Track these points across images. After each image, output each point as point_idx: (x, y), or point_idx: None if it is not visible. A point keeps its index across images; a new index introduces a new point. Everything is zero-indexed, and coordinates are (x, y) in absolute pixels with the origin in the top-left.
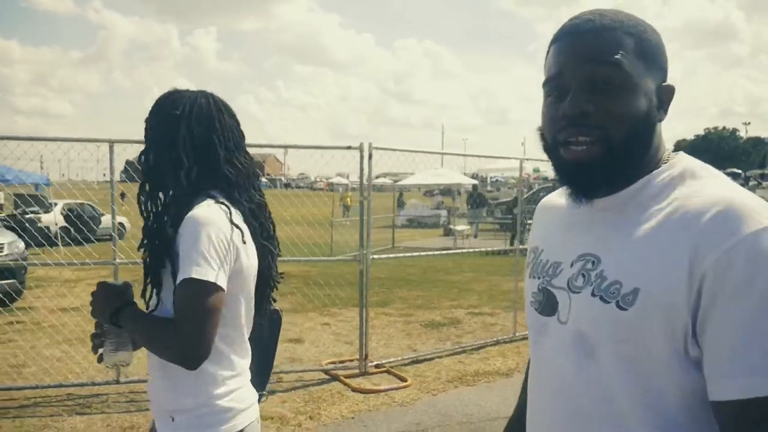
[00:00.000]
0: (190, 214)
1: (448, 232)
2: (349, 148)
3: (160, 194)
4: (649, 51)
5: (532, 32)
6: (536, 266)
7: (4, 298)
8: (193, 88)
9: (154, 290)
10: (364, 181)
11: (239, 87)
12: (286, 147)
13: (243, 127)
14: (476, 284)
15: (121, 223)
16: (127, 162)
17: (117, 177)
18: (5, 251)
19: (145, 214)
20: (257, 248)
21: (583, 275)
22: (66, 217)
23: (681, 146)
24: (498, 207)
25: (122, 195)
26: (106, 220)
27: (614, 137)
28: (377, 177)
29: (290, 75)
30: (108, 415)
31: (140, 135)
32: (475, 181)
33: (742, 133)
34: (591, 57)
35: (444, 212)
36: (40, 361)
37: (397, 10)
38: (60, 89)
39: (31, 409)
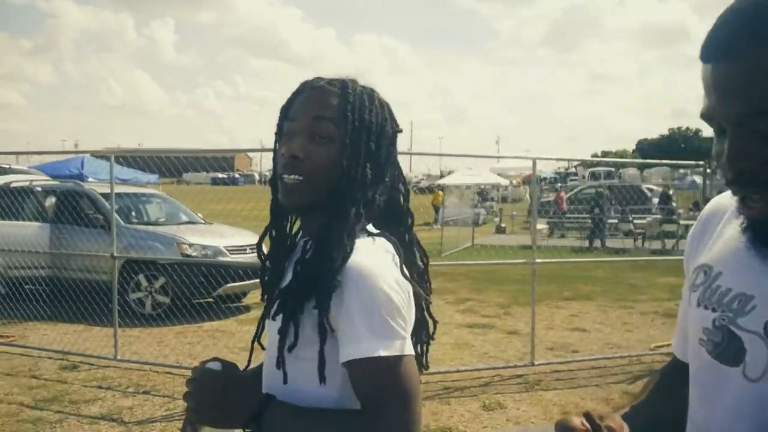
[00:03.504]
0: (352, 261)
1: (500, 230)
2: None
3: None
4: None
5: (490, 30)
6: (710, 293)
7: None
8: (150, 79)
9: (288, 348)
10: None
11: (195, 80)
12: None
13: (202, 124)
14: (639, 282)
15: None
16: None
17: None
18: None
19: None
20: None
21: None
22: None
23: (643, 146)
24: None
25: None
26: None
27: None
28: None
29: (248, 69)
30: (532, 394)
31: (104, 127)
32: (507, 181)
33: (706, 133)
34: (733, 93)
35: (483, 211)
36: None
37: (358, 4)
38: (9, 78)
39: (470, 390)
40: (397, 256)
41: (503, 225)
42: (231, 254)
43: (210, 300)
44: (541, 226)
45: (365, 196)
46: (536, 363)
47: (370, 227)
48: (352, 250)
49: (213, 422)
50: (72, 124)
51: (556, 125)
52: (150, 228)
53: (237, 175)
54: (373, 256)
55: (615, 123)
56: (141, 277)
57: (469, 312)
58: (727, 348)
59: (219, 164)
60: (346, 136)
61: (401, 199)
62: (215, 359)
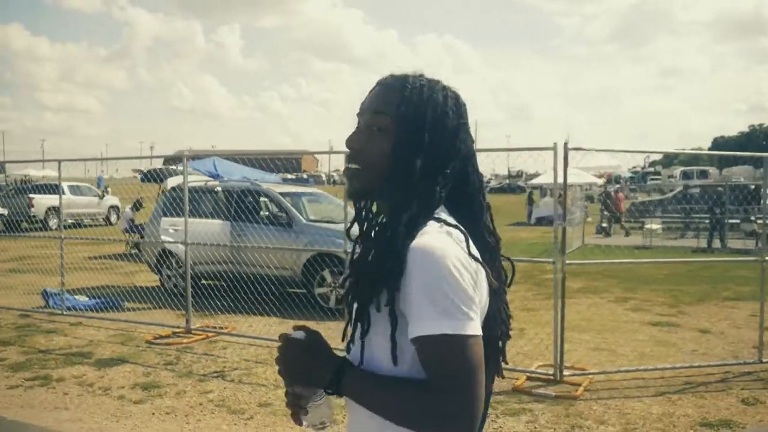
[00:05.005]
0: (416, 243)
1: (602, 230)
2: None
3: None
4: None
5: (554, 27)
6: None
7: None
8: (218, 84)
9: (360, 334)
10: None
11: (261, 84)
12: None
13: (269, 126)
14: None
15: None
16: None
17: None
18: None
19: (366, 231)
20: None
21: None
22: None
23: (719, 143)
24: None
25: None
26: None
27: None
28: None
29: (311, 71)
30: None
31: (176, 130)
32: (600, 181)
33: None
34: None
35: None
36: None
37: (418, 4)
38: (86, 85)
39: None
40: (463, 240)
41: (604, 224)
42: None
43: None
44: (656, 225)
45: (421, 187)
46: (764, 360)
47: (441, 214)
48: (410, 237)
49: (297, 382)
50: (146, 127)
51: (626, 123)
52: (331, 225)
53: (305, 176)
54: (436, 237)
55: (688, 120)
56: (326, 272)
57: (641, 311)
58: None
59: (285, 165)
60: (399, 129)
61: (472, 189)
62: (300, 328)
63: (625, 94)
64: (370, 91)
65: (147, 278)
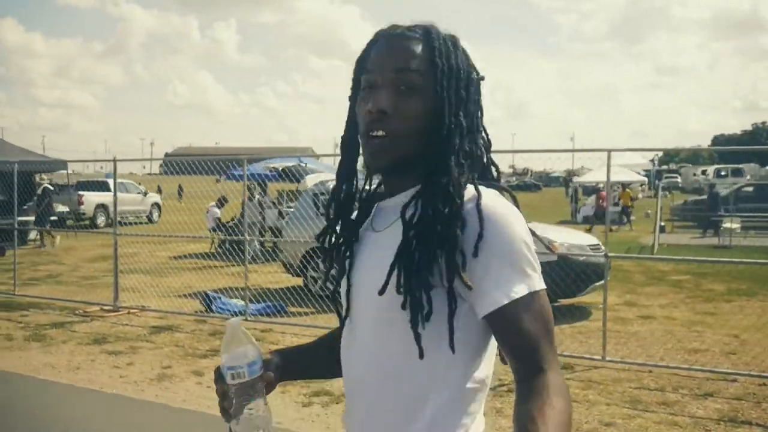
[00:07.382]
0: (486, 204)
1: (660, 229)
2: None
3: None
4: None
5: (551, 24)
6: None
7: None
8: (214, 80)
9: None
10: None
11: (258, 80)
12: None
13: (266, 122)
14: None
15: None
16: (166, 155)
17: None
18: (601, 250)
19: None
20: None
21: None
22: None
23: (719, 141)
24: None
25: (158, 190)
26: None
27: None
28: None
29: (308, 68)
30: None
31: (172, 126)
32: (644, 178)
33: None
34: None
35: (618, 209)
36: None
37: (415, 0)
38: (82, 81)
39: None
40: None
41: (662, 223)
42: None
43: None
44: (735, 225)
45: (463, 147)
46: None
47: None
48: (462, 198)
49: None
50: (143, 123)
51: (624, 121)
52: None
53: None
54: (500, 199)
55: (684, 118)
56: None
57: None
58: None
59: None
60: (437, 84)
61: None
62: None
63: (622, 91)
64: (374, 44)
65: (266, 279)
